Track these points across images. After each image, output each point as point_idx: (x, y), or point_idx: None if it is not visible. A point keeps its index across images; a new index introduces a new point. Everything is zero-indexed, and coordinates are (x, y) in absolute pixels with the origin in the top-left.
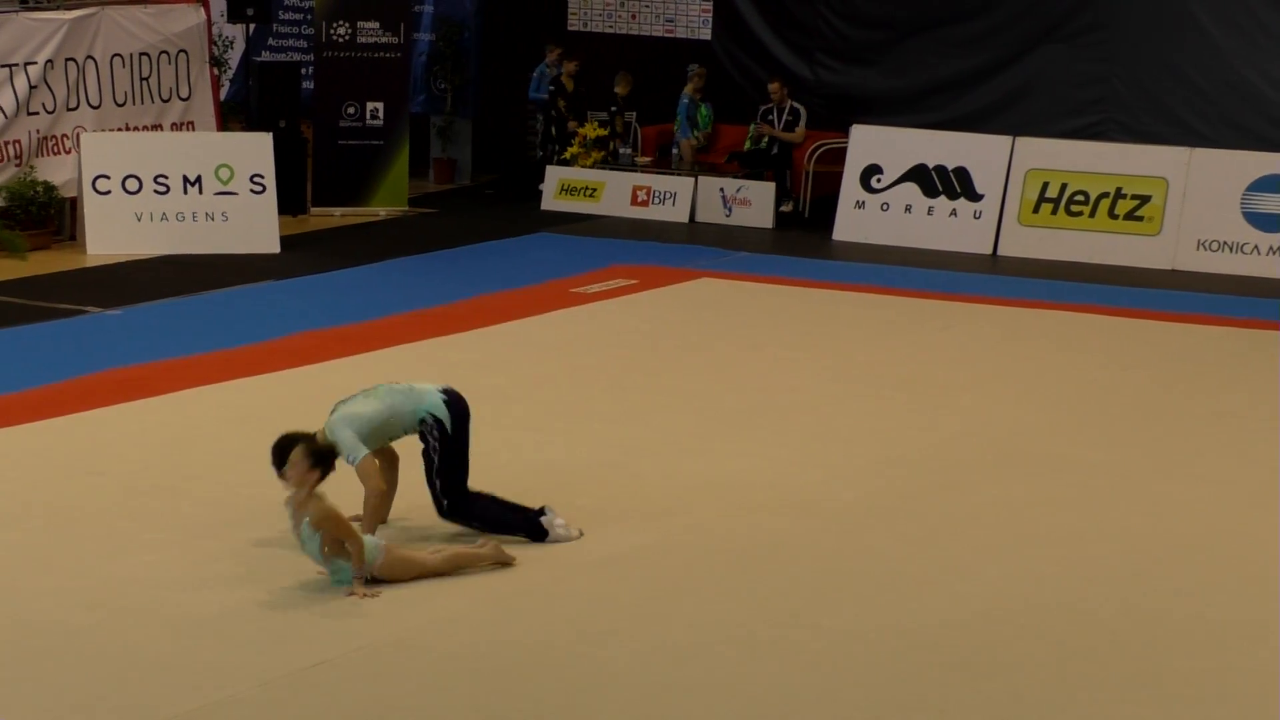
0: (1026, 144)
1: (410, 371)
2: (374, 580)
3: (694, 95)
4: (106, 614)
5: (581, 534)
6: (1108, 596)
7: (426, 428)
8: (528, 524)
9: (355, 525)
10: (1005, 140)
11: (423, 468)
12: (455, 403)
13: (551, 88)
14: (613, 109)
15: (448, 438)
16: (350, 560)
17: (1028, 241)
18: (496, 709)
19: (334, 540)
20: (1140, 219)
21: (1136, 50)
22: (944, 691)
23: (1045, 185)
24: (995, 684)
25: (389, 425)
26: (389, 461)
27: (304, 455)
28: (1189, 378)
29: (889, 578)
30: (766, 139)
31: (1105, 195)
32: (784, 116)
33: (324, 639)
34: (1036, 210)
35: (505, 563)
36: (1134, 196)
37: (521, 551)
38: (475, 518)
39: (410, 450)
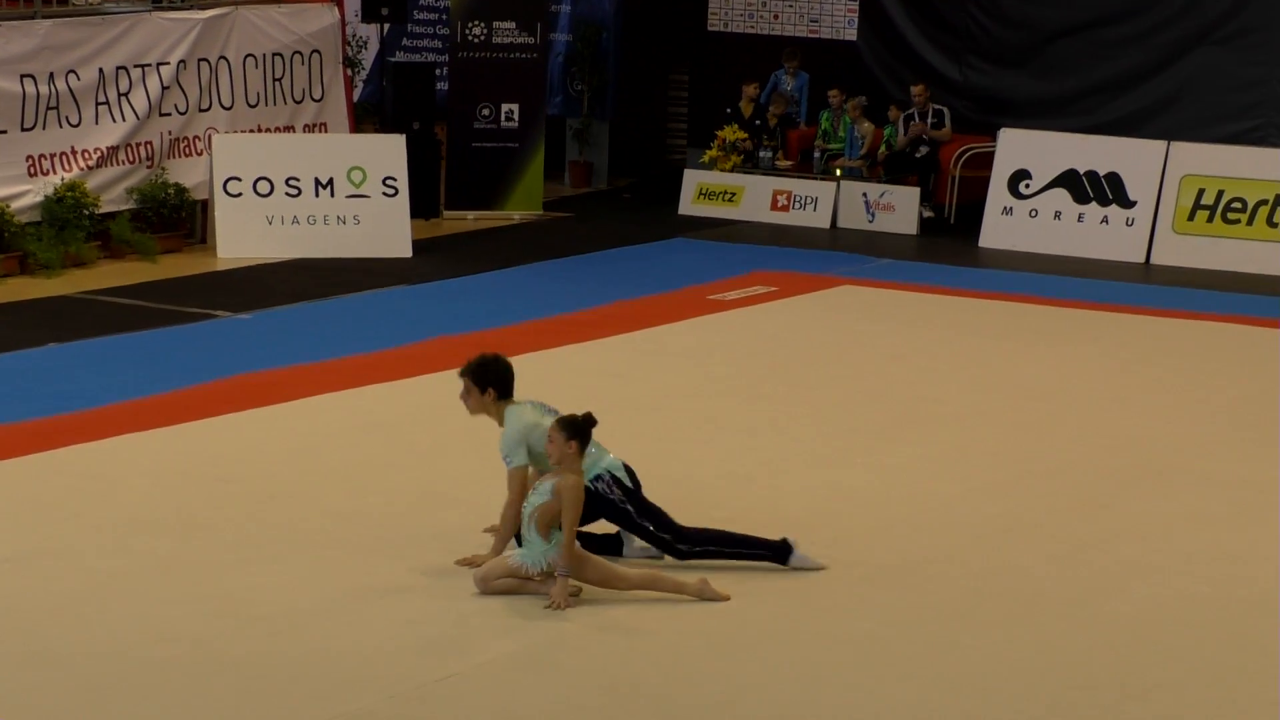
0: (1181, 149)
1: (544, 380)
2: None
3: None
4: (234, 623)
5: (825, 567)
6: (1263, 618)
7: (603, 484)
8: (769, 546)
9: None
10: (1159, 145)
11: (618, 527)
12: (632, 473)
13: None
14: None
15: (629, 491)
16: (550, 545)
17: (1182, 250)
18: None
19: (550, 517)
20: None
21: None
22: (1090, 713)
23: (1201, 192)
24: (1143, 707)
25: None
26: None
27: (559, 430)
28: None
29: (1034, 596)
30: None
31: (1264, 202)
32: (929, 120)
33: (453, 652)
34: (1192, 218)
35: (713, 598)
36: None
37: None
38: (710, 541)
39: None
